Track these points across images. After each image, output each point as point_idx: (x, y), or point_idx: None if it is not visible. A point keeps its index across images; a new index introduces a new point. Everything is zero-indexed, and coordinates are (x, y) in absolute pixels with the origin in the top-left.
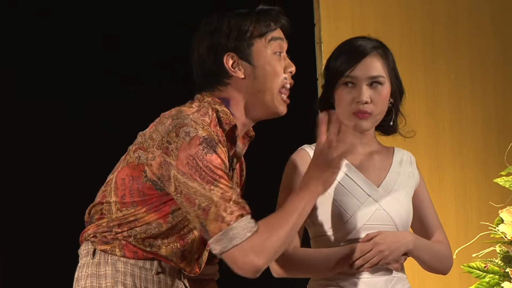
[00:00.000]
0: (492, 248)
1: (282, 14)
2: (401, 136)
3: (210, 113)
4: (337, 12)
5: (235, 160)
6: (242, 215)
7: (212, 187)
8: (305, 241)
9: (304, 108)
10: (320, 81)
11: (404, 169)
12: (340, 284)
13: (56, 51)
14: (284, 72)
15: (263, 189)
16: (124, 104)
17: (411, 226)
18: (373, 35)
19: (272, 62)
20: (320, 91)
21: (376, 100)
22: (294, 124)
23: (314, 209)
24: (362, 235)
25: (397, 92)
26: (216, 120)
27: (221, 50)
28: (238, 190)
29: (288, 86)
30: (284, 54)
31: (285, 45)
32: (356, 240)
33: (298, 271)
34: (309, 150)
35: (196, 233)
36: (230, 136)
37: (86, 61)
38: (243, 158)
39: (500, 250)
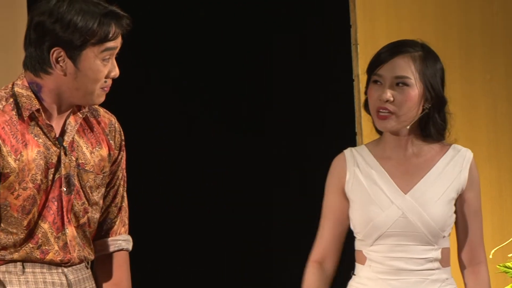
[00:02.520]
0: None
1: (129, 23)
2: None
3: (6, 98)
4: (373, 13)
5: (65, 138)
6: None
7: None
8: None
9: (341, 109)
10: (357, 82)
11: (449, 171)
12: (369, 284)
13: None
14: (106, 77)
15: (306, 193)
16: None
17: (456, 232)
18: (408, 36)
19: (97, 68)
20: (356, 92)
21: (399, 100)
22: (333, 126)
23: (350, 212)
24: (386, 241)
25: (434, 99)
26: (14, 105)
27: (52, 41)
28: None
29: (106, 89)
30: (112, 58)
31: (117, 49)
32: (380, 246)
33: None
34: (348, 154)
35: (44, 224)
36: (38, 119)
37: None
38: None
39: None
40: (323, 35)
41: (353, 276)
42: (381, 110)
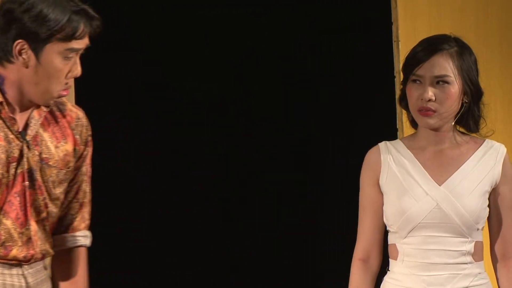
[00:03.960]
0: None
1: (99, 24)
2: (479, 136)
3: None
4: (414, 10)
5: (29, 131)
6: None
7: None
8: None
9: (384, 106)
10: (398, 79)
11: (483, 164)
12: (401, 279)
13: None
14: (66, 76)
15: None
16: None
17: (489, 226)
18: (449, 31)
19: (58, 65)
20: (397, 88)
21: (441, 98)
22: (375, 121)
23: (384, 204)
24: (420, 233)
25: (473, 92)
26: None
27: (19, 31)
28: None
29: (65, 92)
30: (76, 57)
31: (82, 50)
32: (414, 238)
33: None
34: (382, 147)
35: (6, 220)
36: (1, 111)
37: None
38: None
39: None
40: (365, 32)
41: (388, 272)
42: (423, 109)
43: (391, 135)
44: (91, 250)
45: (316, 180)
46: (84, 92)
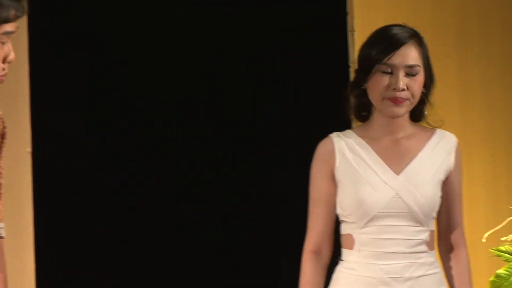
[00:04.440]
0: None
1: (26, 7)
2: (429, 125)
3: None
4: (370, 0)
5: None
6: None
7: None
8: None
9: (337, 96)
10: (353, 69)
11: (436, 153)
12: (358, 269)
13: None
14: (3, 61)
15: (296, 178)
16: None
17: (437, 216)
18: (406, 22)
19: None
20: (352, 78)
21: (412, 87)
22: (327, 111)
23: (338, 194)
24: (379, 222)
25: (429, 81)
26: None
27: None
28: None
29: (1, 77)
30: (9, 43)
31: (14, 32)
32: (372, 228)
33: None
34: (334, 137)
35: None
36: None
37: None
38: None
39: None
40: (320, 22)
41: (341, 262)
42: (394, 98)
43: (346, 125)
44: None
45: (281, 176)
46: (41, 92)
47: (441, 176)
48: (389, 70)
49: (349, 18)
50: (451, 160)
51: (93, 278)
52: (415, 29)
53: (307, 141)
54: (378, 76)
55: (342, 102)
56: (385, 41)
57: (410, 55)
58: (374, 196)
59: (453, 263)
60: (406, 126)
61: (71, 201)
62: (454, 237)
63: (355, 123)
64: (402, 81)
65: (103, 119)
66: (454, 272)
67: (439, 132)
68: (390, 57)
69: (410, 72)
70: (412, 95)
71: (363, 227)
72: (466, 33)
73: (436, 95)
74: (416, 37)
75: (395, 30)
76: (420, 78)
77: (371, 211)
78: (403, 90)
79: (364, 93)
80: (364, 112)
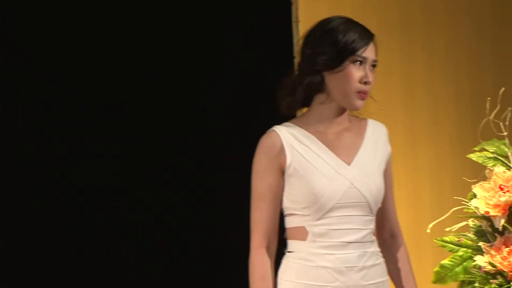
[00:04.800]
0: (465, 223)
1: None
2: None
3: None
4: None
5: None
6: None
7: None
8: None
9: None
10: (297, 60)
11: (376, 144)
12: (314, 259)
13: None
14: None
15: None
16: None
17: None
18: (350, 14)
19: None
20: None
21: (372, 83)
22: (271, 103)
23: (287, 188)
24: (335, 213)
25: None
26: None
27: None
28: None
29: None
30: None
31: None
32: (328, 219)
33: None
34: (280, 130)
35: None
36: None
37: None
38: None
39: (473, 225)
40: (264, 12)
41: (290, 253)
42: (362, 91)
43: (290, 118)
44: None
45: (220, 166)
46: None
47: (383, 166)
48: (361, 63)
49: (293, 8)
50: (388, 150)
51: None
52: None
53: (249, 132)
54: (350, 68)
55: (279, 92)
56: (360, 33)
57: (374, 50)
58: (331, 187)
59: (392, 253)
60: (346, 118)
61: None
62: (392, 226)
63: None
64: (370, 75)
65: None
66: (394, 261)
67: (370, 121)
68: (364, 50)
69: (373, 66)
70: (369, 90)
71: (319, 219)
72: (410, 24)
73: (381, 87)
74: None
75: (359, 25)
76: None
77: (328, 203)
78: (369, 83)
79: (317, 83)
80: (302, 103)
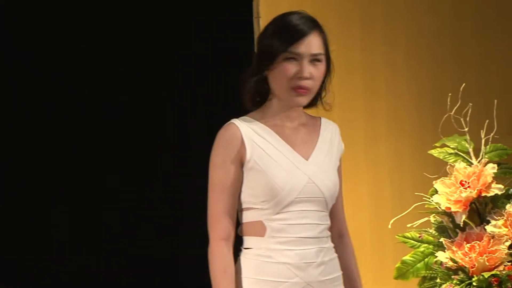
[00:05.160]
0: (426, 219)
1: None
2: (323, 108)
3: None
4: None
5: None
6: None
7: None
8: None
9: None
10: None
11: (330, 140)
12: (273, 256)
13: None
14: None
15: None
16: None
17: None
18: (311, 9)
19: None
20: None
21: (315, 77)
22: (234, 99)
23: (246, 182)
24: (293, 208)
25: (329, 69)
26: None
27: None
28: None
29: None
30: None
31: None
32: (286, 214)
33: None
34: (239, 123)
35: None
36: None
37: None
38: None
39: (434, 220)
40: (225, 8)
41: (248, 250)
42: (299, 87)
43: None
44: None
45: (180, 160)
46: None
47: (337, 163)
48: (295, 59)
49: (254, 4)
50: (341, 147)
51: None
52: (318, 14)
53: (211, 127)
54: (283, 65)
55: (239, 87)
56: (290, 31)
57: (314, 43)
58: (290, 182)
59: (341, 250)
60: (302, 114)
61: None
62: (340, 226)
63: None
64: (308, 69)
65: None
66: (343, 259)
67: (323, 120)
68: (295, 46)
69: (314, 61)
70: (314, 85)
71: (277, 213)
72: (371, 20)
73: (341, 82)
74: (318, 26)
75: (297, 19)
76: (323, 67)
77: (287, 197)
78: (307, 78)
79: (264, 80)
80: (259, 98)
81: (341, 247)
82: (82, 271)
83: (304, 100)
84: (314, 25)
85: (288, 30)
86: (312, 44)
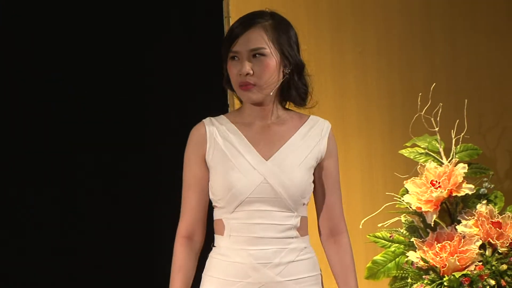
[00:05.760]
0: (397, 218)
1: None
2: (304, 107)
3: None
4: None
5: None
6: None
7: None
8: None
9: (211, 83)
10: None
11: (308, 139)
12: (229, 254)
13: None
14: None
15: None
16: None
17: (315, 202)
18: (281, 9)
19: None
20: None
21: (258, 71)
22: (202, 99)
23: (210, 180)
24: (248, 207)
25: (292, 64)
26: None
27: None
28: None
29: None
30: None
31: None
32: (241, 213)
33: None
34: (207, 122)
35: None
36: None
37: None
38: None
39: (405, 220)
40: (196, 8)
41: (213, 248)
42: (243, 84)
43: (222, 111)
44: None
45: (151, 159)
46: None
47: (313, 162)
48: (237, 57)
49: (224, 4)
50: (322, 145)
51: None
52: (278, 13)
53: (182, 129)
54: (229, 65)
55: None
56: (230, 30)
57: (253, 38)
58: (243, 181)
59: (334, 249)
60: (276, 111)
61: None
62: (334, 223)
63: (231, 109)
64: (246, 65)
65: None
66: (335, 258)
67: (312, 118)
68: (234, 44)
69: (256, 55)
70: (259, 79)
71: (233, 211)
72: (341, 19)
73: (312, 83)
74: (268, 21)
75: (244, 17)
76: (270, 61)
77: (240, 196)
78: (248, 74)
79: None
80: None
81: (333, 246)
82: (82, 272)
83: (253, 95)
84: (257, 22)
85: (229, 32)
86: (250, 40)
